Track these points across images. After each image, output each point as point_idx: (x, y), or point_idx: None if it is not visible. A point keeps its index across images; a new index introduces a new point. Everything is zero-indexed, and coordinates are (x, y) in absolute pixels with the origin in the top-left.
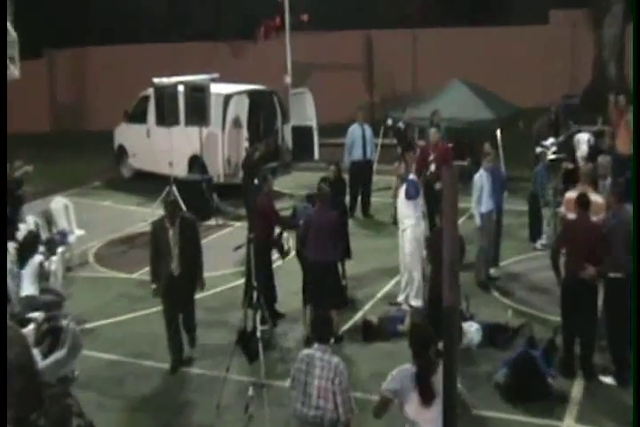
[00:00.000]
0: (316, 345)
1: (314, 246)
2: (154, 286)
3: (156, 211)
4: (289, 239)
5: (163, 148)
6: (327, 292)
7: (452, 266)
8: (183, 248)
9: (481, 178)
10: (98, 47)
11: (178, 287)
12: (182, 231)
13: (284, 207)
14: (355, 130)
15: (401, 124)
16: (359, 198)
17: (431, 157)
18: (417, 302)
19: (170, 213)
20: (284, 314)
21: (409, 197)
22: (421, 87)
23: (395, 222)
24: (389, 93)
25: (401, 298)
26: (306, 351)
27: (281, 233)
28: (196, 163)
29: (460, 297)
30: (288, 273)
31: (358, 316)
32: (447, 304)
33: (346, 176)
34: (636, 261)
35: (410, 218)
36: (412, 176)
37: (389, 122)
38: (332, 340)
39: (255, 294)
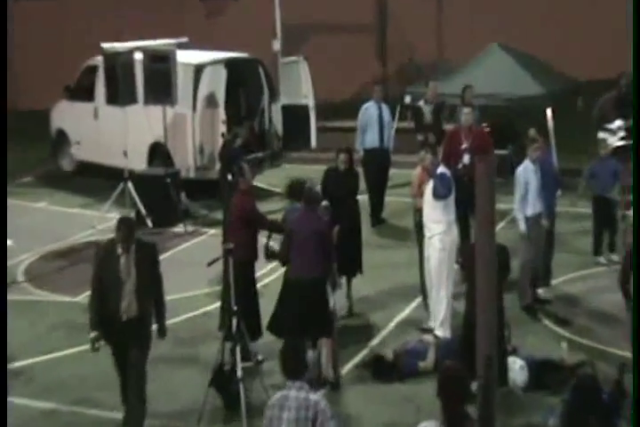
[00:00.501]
0: (288, 382)
1: (295, 262)
2: (93, 334)
3: (107, 215)
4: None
5: (115, 133)
6: (313, 317)
7: (488, 286)
8: (139, 283)
9: (526, 172)
10: (27, 1)
11: (127, 338)
12: (139, 261)
13: (272, 210)
14: (370, 110)
15: (422, 104)
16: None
17: (464, 145)
18: (443, 332)
19: (124, 235)
20: (262, 360)
21: (438, 196)
22: (449, 55)
23: (418, 229)
24: (407, 63)
25: (433, 323)
26: (279, 394)
27: (270, 235)
28: (158, 152)
29: (503, 326)
30: (275, 295)
31: (368, 349)
32: (481, 338)
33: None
34: (636, 260)
35: (438, 223)
36: (442, 169)
37: (407, 100)
38: (327, 385)
39: (235, 322)
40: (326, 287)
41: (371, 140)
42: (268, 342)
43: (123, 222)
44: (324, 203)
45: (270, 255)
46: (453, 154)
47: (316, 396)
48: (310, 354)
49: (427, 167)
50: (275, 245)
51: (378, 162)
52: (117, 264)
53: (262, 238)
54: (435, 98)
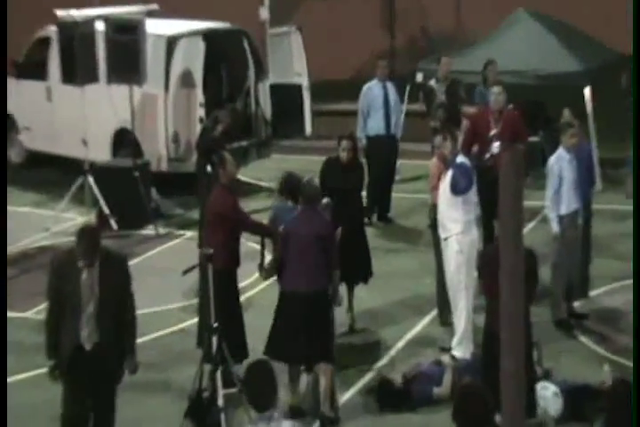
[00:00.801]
0: (254, 415)
1: (292, 271)
2: (50, 362)
3: (63, 215)
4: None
5: (72, 118)
6: (312, 338)
7: (513, 298)
8: (104, 305)
9: (559, 162)
10: None
11: (90, 370)
12: (105, 277)
13: (258, 209)
14: (373, 90)
15: (433, 83)
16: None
17: (493, 131)
18: (462, 352)
19: (86, 249)
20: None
21: (457, 190)
22: (468, 24)
23: (434, 229)
24: (418, 35)
25: (456, 350)
26: None
27: (262, 248)
28: (124, 141)
29: (531, 346)
30: (263, 309)
31: (373, 372)
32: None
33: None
34: (636, 262)
35: (457, 222)
36: (461, 159)
37: (419, 77)
38: (320, 421)
39: (215, 341)
40: (329, 303)
41: (375, 125)
42: None
43: (85, 233)
44: (325, 200)
45: (265, 274)
46: (479, 142)
47: (287, 423)
48: (304, 380)
49: (444, 156)
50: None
51: (383, 152)
52: (78, 280)
53: (248, 243)
54: (448, 76)
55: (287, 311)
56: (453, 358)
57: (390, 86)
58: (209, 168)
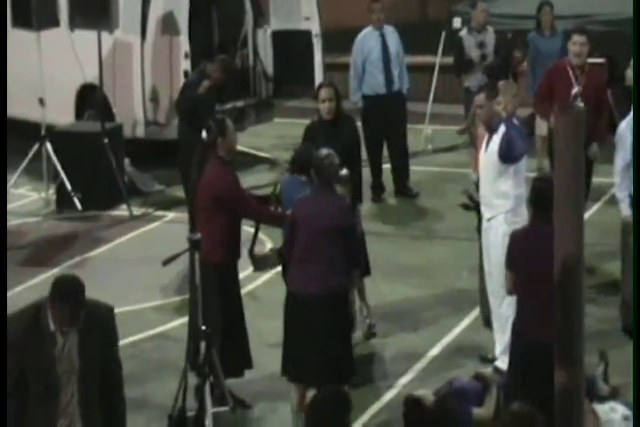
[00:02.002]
0: None
1: (303, 269)
2: None
3: (14, 191)
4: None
5: (26, 71)
6: (323, 353)
7: (570, 298)
8: (89, 382)
9: (631, 130)
10: None
11: None
12: (88, 343)
13: (256, 186)
14: (368, 40)
15: (464, 33)
16: (379, 164)
17: (575, 90)
18: (507, 363)
19: (71, 310)
20: (249, 405)
21: (513, 154)
22: None
23: (469, 207)
24: None
25: (501, 360)
26: None
27: (256, 231)
28: (90, 100)
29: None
30: (264, 307)
31: (397, 388)
32: (561, 377)
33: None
34: (635, 260)
35: (506, 198)
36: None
37: (457, 24)
38: None
39: (203, 348)
40: (349, 307)
41: (373, 82)
42: (258, 379)
43: (69, 290)
44: (343, 171)
45: (258, 264)
46: (556, 101)
47: None
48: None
49: (490, 117)
50: (264, 248)
51: (385, 113)
52: (51, 352)
53: (244, 227)
54: (484, 25)
55: (298, 319)
56: (497, 370)
57: (390, 33)
58: (204, 134)
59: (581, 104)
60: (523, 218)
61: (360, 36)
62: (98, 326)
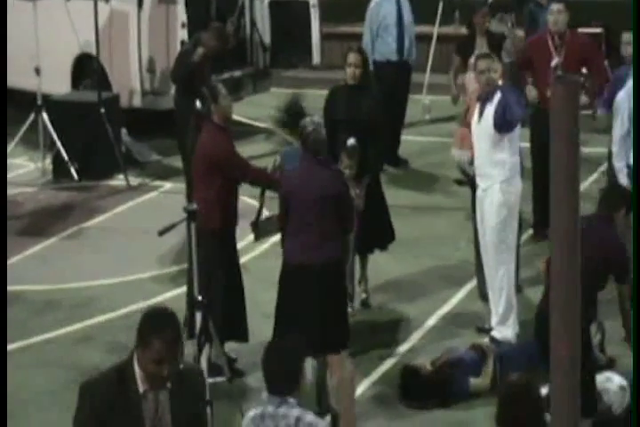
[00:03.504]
0: (265, 395)
1: (296, 240)
2: None
3: (10, 161)
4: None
5: (21, 40)
6: (321, 319)
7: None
8: None
9: (630, 97)
10: None
11: None
12: (180, 404)
13: (253, 156)
14: (383, 5)
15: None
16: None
17: (554, 61)
18: (504, 334)
19: (168, 346)
20: (241, 371)
21: (511, 120)
22: None
23: (462, 183)
24: None
25: (497, 330)
26: (252, 413)
27: (262, 203)
28: (87, 69)
29: (588, 326)
30: (260, 278)
31: (395, 358)
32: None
33: None
34: (635, 259)
35: (502, 166)
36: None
37: None
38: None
39: (199, 318)
40: (343, 276)
41: (385, 49)
42: (255, 349)
43: (163, 323)
44: (351, 140)
45: (259, 232)
46: (537, 72)
47: (296, 411)
48: (309, 366)
49: (489, 83)
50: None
51: (393, 81)
52: (138, 411)
53: (242, 197)
54: None
55: (292, 289)
56: (494, 340)
57: (405, 2)
58: (198, 104)
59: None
60: (517, 188)
61: (375, 1)
62: (191, 387)
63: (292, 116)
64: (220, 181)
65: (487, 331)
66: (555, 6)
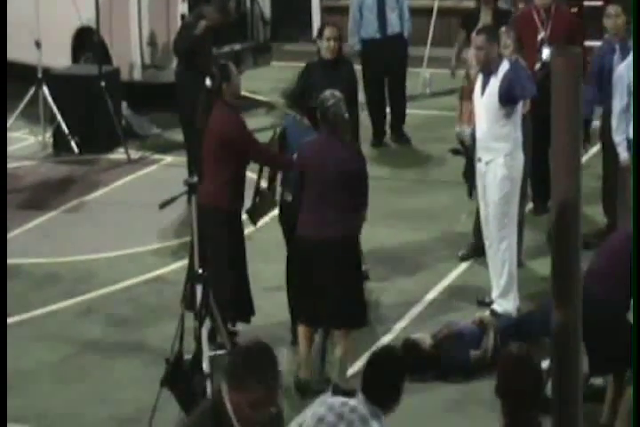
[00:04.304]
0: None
1: (313, 213)
2: None
3: (11, 134)
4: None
5: (21, 13)
6: (339, 296)
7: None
8: None
9: (629, 70)
10: None
11: None
12: None
13: (256, 129)
14: None
15: None
16: (381, 108)
17: (541, 35)
18: (505, 307)
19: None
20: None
21: (509, 97)
22: None
23: (459, 152)
24: None
25: (498, 304)
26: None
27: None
28: (87, 43)
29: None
30: (260, 249)
31: (394, 333)
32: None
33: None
34: (636, 257)
35: (506, 140)
36: (513, 58)
37: None
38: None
39: (200, 291)
40: (360, 250)
41: (369, 27)
42: (256, 323)
43: (262, 364)
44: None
45: (255, 218)
46: (525, 48)
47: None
48: (317, 343)
49: (489, 58)
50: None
51: (384, 58)
52: None
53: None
54: None
55: (308, 263)
56: (495, 313)
57: None
58: (208, 81)
59: (548, 49)
60: (520, 161)
61: None
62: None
63: (297, 91)
64: (233, 162)
65: (488, 304)
66: None
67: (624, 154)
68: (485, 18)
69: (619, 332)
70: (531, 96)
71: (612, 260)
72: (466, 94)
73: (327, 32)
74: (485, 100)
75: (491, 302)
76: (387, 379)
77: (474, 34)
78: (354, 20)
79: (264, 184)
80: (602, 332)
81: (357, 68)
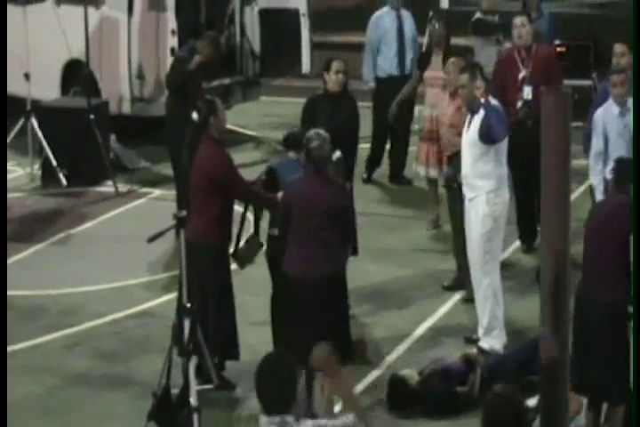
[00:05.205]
0: (264, 420)
1: (302, 253)
2: None
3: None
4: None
5: (12, 45)
6: (325, 332)
7: (557, 283)
8: None
9: (606, 115)
10: None
11: None
12: None
13: (243, 164)
14: (384, 20)
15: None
16: (383, 147)
17: (522, 74)
18: (491, 344)
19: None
20: (234, 385)
21: (493, 137)
22: None
23: (449, 188)
24: None
25: (484, 341)
26: None
27: (244, 212)
28: (76, 75)
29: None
30: (248, 285)
31: (382, 368)
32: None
33: (363, 104)
34: (635, 259)
35: (489, 178)
36: (493, 101)
37: (444, 4)
38: None
39: (187, 324)
40: (346, 287)
41: (387, 64)
42: (242, 357)
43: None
44: (337, 154)
45: (243, 261)
46: (507, 87)
47: (324, 420)
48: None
49: (472, 98)
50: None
51: (395, 96)
52: None
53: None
54: (495, 6)
55: (294, 300)
56: (481, 350)
57: (406, 16)
58: (194, 115)
59: (529, 87)
60: (504, 199)
61: (376, 15)
62: None
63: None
64: (220, 198)
65: (475, 341)
66: (518, 20)
67: (599, 196)
68: (436, 58)
69: (618, 351)
70: (502, 139)
71: (604, 248)
72: (425, 135)
73: (335, 65)
74: (468, 138)
75: (478, 339)
76: None
77: (426, 73)
78: (370, 56)
79: (250, 225)
80: (602, 347)
81: (362, 104)
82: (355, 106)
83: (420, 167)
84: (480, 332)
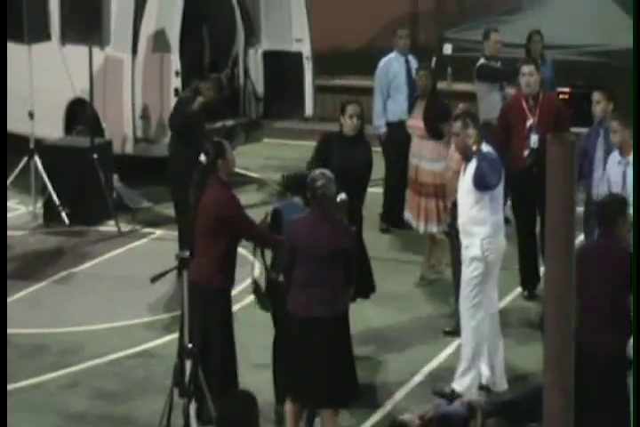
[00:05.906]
0: None
1: (306, 294)
2: None
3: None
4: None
5: (16, 84)
6: (328, 374)
7: (559, 322)
8: None
9: (612, 164)
10: None
11: None
12: None
13: (245, 205)
14: (393, 65)
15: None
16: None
17: (529, 122)
18: (464, 386)
19: None
20: None
21: (485, 185)
22: None
23: (449, 235)
24: None
25: (457, 383)
26: None
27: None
28: (80, 115)
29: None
30: (250, 325)
31: (381, 413)
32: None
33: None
34: (635, 262)
35: (484, 224)
36: (486, 148)
37: (448, 50)
38: None
39: (188, 365)
40: (349, 327)
41: (397, 109)
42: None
43: None
44: (342, 196)
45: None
46: (514, 134)
47: None
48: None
49: (464, 146)
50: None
51: (407, 142)
52: None
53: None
54: (498, 52)
55: (300, 342)
56: (484, 395)
57: (413, 61)
58: (202, 157)
59: (536, 136)
60: (500, 246)
61: (384, 60)
62: None
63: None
64: (225, 239)
65: (485, 387)
66: (525, 68)
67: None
68: (419, 108)
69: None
70: (495, 188)
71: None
72: (411, 185)
73: (350, 110)
74: (463, 186)
75: (480, 386)
76: None
77: (408, 122)
78: (380, 101)
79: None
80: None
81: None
82: (369, 150)
83: (411, 218)
84: (457, 372)
